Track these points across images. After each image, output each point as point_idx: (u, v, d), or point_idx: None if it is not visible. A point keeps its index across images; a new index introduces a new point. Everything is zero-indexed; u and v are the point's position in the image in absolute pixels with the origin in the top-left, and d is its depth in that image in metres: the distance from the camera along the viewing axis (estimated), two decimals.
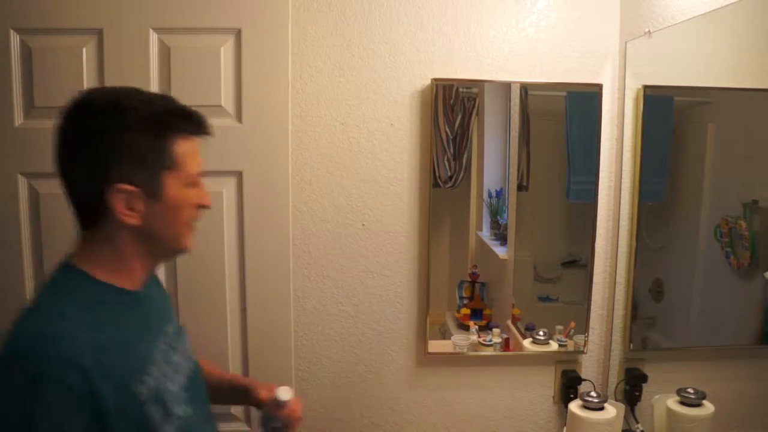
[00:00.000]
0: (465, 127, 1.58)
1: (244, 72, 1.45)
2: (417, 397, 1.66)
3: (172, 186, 0.87)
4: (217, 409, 1.17)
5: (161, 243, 0.91)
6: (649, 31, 1.46)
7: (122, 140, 0.83)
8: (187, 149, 0.89)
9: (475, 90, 1.57)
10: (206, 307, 1.46)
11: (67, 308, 0.81)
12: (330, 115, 1.56)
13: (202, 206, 0.94)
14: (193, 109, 0.91)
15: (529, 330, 1.66)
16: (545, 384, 1.69)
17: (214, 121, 1.47)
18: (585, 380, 1.65)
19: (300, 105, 1.54)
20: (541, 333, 1.65)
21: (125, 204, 0.84)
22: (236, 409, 1.53)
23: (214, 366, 1.21)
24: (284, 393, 1.06)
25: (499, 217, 1.64)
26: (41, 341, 0.76)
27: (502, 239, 1.64)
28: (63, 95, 1.41)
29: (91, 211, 0.86)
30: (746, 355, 1.33)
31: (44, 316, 0.81)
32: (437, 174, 1.58)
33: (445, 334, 1.66)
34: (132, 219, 0.85)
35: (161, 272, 1.48)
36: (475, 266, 1.66)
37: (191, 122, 0.89)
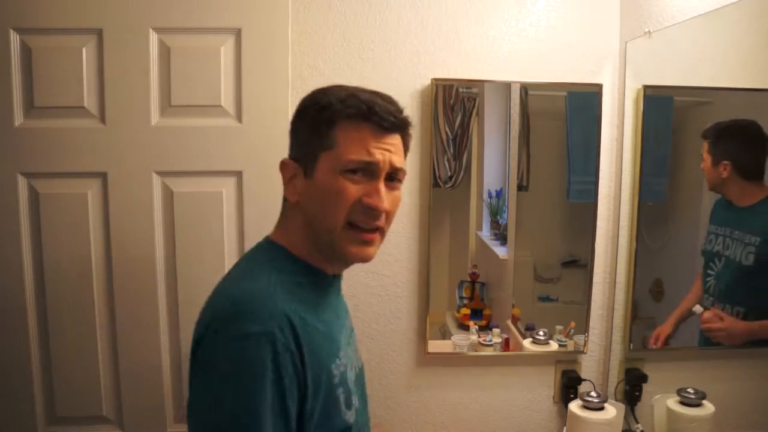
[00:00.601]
0: (465, 127, 1.58)
1: (244, 72, 1.45)
2: (417, 397, 1.66)
3: (325, 167, 0.85)
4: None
5: (317, 230, 0.87)
6: (649, 31, 1.46)
7: (298, 124, 0.90)
8: (351, 135, 0.84)
9: (475, 90, 1.57)
10: None
11: (274, 285, 0.82)
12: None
13: (365, 205, 0.84)
14: (391, 101, 0.89)
15: (529, 330, 1.66)
16: (545, 384, 1.69)
17: (213, 121, 1.48)
18: (585, 380, 1.65)
19: None
20: (541, 333, 1.65)
21: (289, 178, 0.89)
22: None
23: None
24: None
25: (499, 217, 1.64)
26: (261, 299, 0.78)
27: (502, 239, 1.65)
28: (63, 95, 1.43)
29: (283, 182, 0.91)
30: (746, 355, 1.33)
31: (255, 279, 0.83)
32: (437, 174, 1.58)
33: (445, 334, 1.66)
34: (291, 194, 0.89)
35: (162, 274, 1.48)
36: (475, 266, 1.66)
37: (366, 110, 0.85)
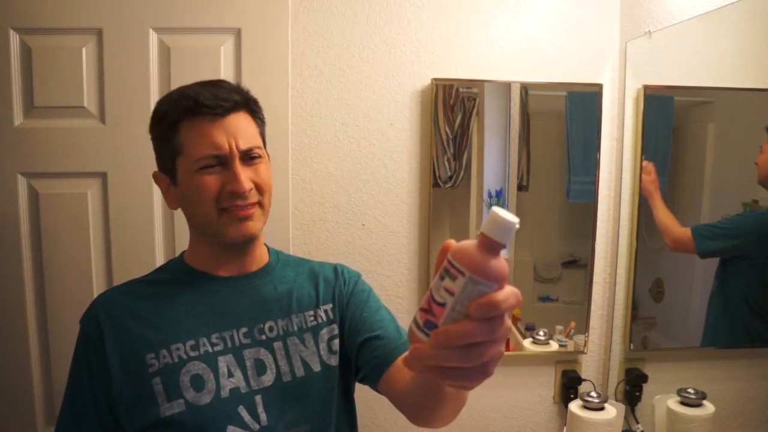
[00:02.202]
0: (465, 127, 1.58)
1: (244, 72, 1.45)
2: None
3: (182, 171, 0.89)
4: None
5: (200, 228, 0.93)
6: (649, 31, 1.46)
7: (152, 138, 0.93)
8: (192, 133, 0.88)
9: (475, 90, 1.57)
10: None
11: (136, 280, 0.98)
12: (330, 115, 1.56)
13: (229, 192, 0.88)
14: (219, 85, 0.91)
15: (529, 330, 1.66)
16: (545, 384, 1.69)
17: None
18: (585, 380, 1.64)
19: (300, 105, 1.54)
20: (541, 333, 1.65)
21: (164, 190, 0.94)
22: None
23: None
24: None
25: None
26: (94, 301, 0.94)
27: None
28: (63, 95, 1.44)
29: None
30: (746, 355, 1.33)
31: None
32: (437, 174, 1.58)
33: None
34: (170, 204, 0.95)
35: None
36: None
37: (194, 104, 0.87)
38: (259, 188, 0.92)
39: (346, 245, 1.60)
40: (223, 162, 0.88)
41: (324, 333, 0.97)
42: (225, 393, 0.88)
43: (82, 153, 1.43)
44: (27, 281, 1.45)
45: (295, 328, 0.96)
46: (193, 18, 1.43)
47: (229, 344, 0.91)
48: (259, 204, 0.92)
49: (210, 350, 0.89)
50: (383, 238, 1.60)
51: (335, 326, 0.98)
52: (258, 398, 0.89)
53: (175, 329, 0.89)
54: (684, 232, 1.42)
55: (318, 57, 1.54)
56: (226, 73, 1.45)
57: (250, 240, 0.94)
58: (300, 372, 0.93)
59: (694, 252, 1.39)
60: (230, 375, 0.89)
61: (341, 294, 1.01)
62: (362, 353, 0.95)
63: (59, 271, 1.46)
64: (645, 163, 1.51)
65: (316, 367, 0.95)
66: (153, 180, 0.96)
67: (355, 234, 1.60)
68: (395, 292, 1.62)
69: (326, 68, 1.54)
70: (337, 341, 0.98)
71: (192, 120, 0.88)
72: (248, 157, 0.90)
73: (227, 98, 0.89)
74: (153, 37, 1.42)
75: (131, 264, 1.47)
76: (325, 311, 0.99)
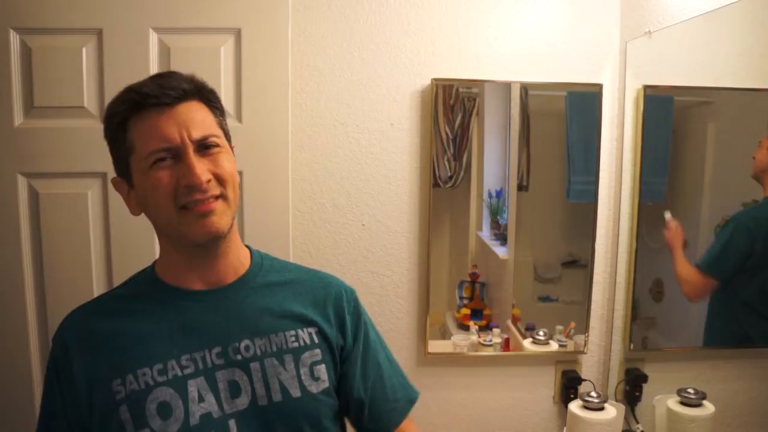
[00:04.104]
0: (465, 127, 1.58)
1: (244, 72, 1.45)
2: None
3: (137, 171, 0.83)
4: None
5: (167, 233, 0.86)
6: (649, 31, 1.46)
7: (106, 141, 0.87)
8: (141, 128, 0.81)
9: (475, 90, 1.57)
10: None
11: (107, 294, 0.94)
12: (330, 115, 1.56)
13: (185, 186, 0.80)
14: (166, 75, 0.84)
15: (529, 330, 1.66)
16: (545, 384, 1.69)
17: None
18: (585, 380, 1.64)
19: (300, 105, 1.54)
20: (541, 333, 1.65)
21: (125, 195, 0.88)
22: None
23: None
24: None
25: (499, 217, 1.64)
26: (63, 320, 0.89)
27: (502, 239, 1.64)
28: (63, 95, 1.43)
29: None
30: (746, 355, 1.33)
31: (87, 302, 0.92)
32: (437, 174, 1.58)
33: (445, 334, 1.66)
34: (133, 209, 0.88)
35: None
36: (475, 266, 1.66)
37: (138, 97, 0.81)
38: (220, 179, 0.83)
39: (346, 245, 1.60)
40: (175, 154, 0.80)
41: (306, 357, 0.88)
42: (195, 420, 0.81)
43: (82, 153, 1.43)
44: (27, 281, 1.45)
45: (274, 348, 0.87)
46: (193, 18, 1.43)
47: (201, 366, 0.83)
48: (222, 197, 0.83)
49: (179, 374, 0.82)
50: (383, 238, 1.60)
51: (319, 351, 0.90)
52: (232, 423, 0.82)
53: (141, 352, 0.82)
54: (693, 273, 1.40)
55: (318, 57, 1.54)
56: (226, 73, 1.45)
57: (216, 238, 0.84)
58: (277, 396, 0.85)
59: (714, 281, 1.39)
60: (201, 400, 0.82)
61: (340, 327, 0.94)
62: (355, 414, 0.95)
63: (59, 271, 1.46)
64: (669, 218, 1.47)
65: (296, 393, 0.86)
66: (118, 187, 0.88)
67: (355, 234, 1.60)
68: (395, 292, 1.62)
69: (326, 68, 1.54)
70: (322, 368, 0.89)
71: (139, 114, 0.81)
72: (203, 146, 0.82)
73: (175, 86, 0.81)
74: (153, 37, 1.42)
75: (131, 264, 1.46)
76: (309, 334, 0.90)
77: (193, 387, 0.82)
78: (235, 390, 0.84)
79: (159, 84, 0.81)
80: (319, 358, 0.90)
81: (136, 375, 0.81)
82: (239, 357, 0.85)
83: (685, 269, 1.42)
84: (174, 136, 0.80)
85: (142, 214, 0.88)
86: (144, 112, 0.81)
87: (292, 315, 0.91)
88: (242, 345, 0.86)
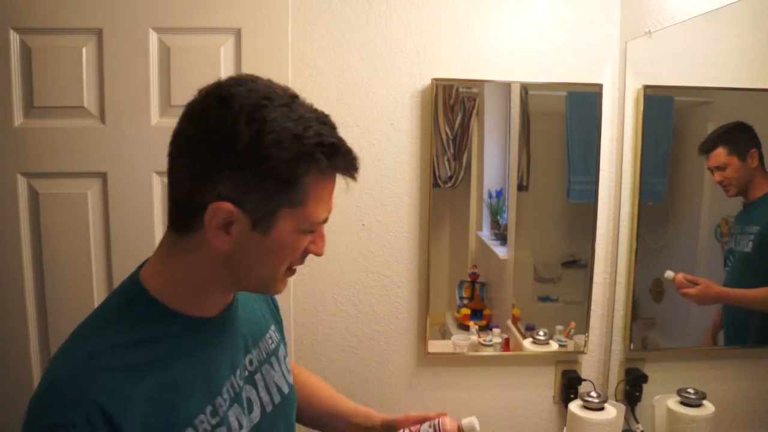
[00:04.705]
0: (465, 127, 1.58)
1: (244, 72, 1.44)
2: (417, 397, 1.66)
3: (287, 226, 0.72)
4: None
5: (247, 281, 0.78)
6: (649, 31, 1.46)
7: (249, 156, 0.67)
8: (320, 191, 0.72)
9: (475, 90, 1.57)
10: None
11: (109, 349, 0.70)
12: (330, 114, 1.55)
13: (310, 252, 0.79)
14: (345, 143, 0.73)
15: (529, 330, 1.66)
16: (545, 384, 1.69)
17: None
18: (585, 380, 1.64)
19: None
20: (541, 333, 1.65)
21: (221, 223, 0.70)
22: None
23: (317, 386, 1.12)
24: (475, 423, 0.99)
25: (499, 217, 1.64)
26: (71, 379, 0.67)
27: (502, 239, 1.64)
28: (63, 95, 1.43)
29: (186, 215, 0.72)
30: (746, 355, 1.33)
31: (79, 347, 0.71)
32: (437, 174, 1.58)
33: (445, 335, 1.66)
34: (223, 244, 0.71)
35: None
36: (475, 266, 1.66)
37: (341, 157, 0.71)
38: None
39: (346, 245, 1.60)
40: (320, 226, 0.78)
41: (281, 354, 0.93)
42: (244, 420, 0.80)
43: (82, 153, 1.43)
44: (27, 281, 1.45)
45: (264, 354, 0.88)
46: (193, 18, 1.43)
47: (233, 393, 0.79)
48: None
49: (225, 409, 0.77)
50: (383, 238, 1.60)
51: (283, 345, 0.96)
52: None
53: (190, 400, 0.73)
54: None
55: (318, 57, 1.54)
56: (226, 73, 1.44)
57: None
58: (277, 398, 0.88)
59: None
60: (240, 426, 0.79)
61: (277, 319, 0.99)
62: None
63: (59, 271, 1.45)
64: (671, 276, 1.44)
65: (285, 389, 0.90)
66: (213, 212, 0.69)
67: (355, 234, 1.60)
68: (395, 292, 1.62)
69: (326, 68, 1.54)
70: (287, 359, 0.96)
71: (328, 176, 0.73)
72: None
73: (357, 161, 0.74)
74: (153, 37, 1.42)
75: (131, 264, 1.46)
76: (273, 332, 0.94)
77: (233, 418, 0.78)
78: (250, 406, 0.83)
79: (352, 156, 0.73)
80: (285, 351, 0.95)
81: (195, 427, 0.73)
82: (247, 373, 0.84)
83: (760, 293, 1.30)
84: (331, 207, 0.77)
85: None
86: (329, 173, 0.72)
87: (261, 317, 0.93)
88: (247, 360, 0.85)
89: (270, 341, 0.92)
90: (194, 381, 0.74)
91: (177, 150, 0.73)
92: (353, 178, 0.74)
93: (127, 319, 0.73)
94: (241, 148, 0.66)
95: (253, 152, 0.67)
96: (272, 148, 0.67)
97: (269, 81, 0.74)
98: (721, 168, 1.32)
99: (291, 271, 0.79)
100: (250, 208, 0.69)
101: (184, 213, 0.73)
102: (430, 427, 0.99)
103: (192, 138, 0.70)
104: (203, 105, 0.70)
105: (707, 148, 1.35)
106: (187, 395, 0.73)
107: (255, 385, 0.85)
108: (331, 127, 0.74)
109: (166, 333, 0.74)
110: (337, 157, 0.71)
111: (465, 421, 1.00)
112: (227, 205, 0.68)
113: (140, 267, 0.80)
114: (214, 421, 0.75)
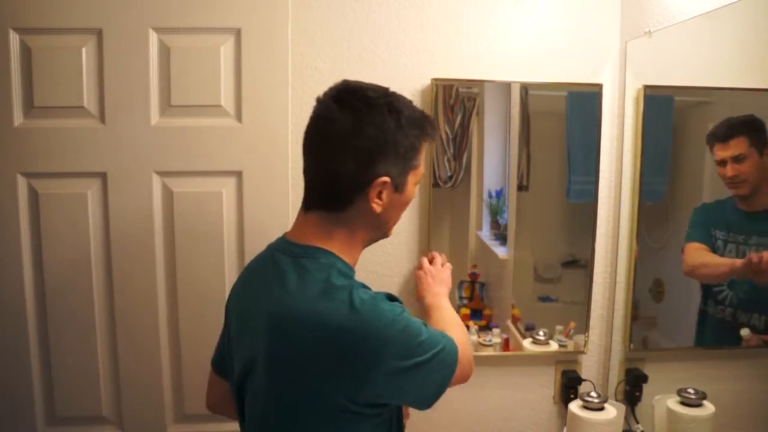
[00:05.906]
0: (465, 127, 1.58)
1: (244, 72, 1.45)
2: None
3: (411, 183, 1.00)
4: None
5: (382, 230, 1.05)
6: (649, 31, 1.46)
7: (394, 138, 0.94)
8: (424, 152, 1.02)
9: (475, 90, 1.57)
10: (206, 307, 1.46)
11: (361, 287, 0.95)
12: None
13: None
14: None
15: (529, 330, 1.66)
16: (545, 384, 1.69)
17: (213, 121, 1.48)
18: (585, 380, 1.64)
19: (300, 105, 1.54)
20: (541, 333, 1.65)
21: (378, 193, 0.95)
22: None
23: None
24: None
25: (499, 217, 1.64)
26: (381, 297, 0.95)
27: (502, 239, 1.64)
28: (63, 95, 1.43)
29: (348, 196, 0.95)
30: (746, 355, 1.33)
31: (364, 296, 0.92)
32: (437, 174, 1.58)
33: None
34: (378, 207, 0.96)
35: (162, 274, 1.48)
36: (475, 266, 1.66)
37: (433, 128, 1.02)
38: None
39: None
40: None
41: None
42: None
43: (82, 153, 1.43)
44: (27, 281, 1.45)
45: None
46: (193, 18, 1.43)
47: None
48: None
49: None
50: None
51: None
52: None
53: None
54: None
55: (318, 57, 1.54)
56: (226, 73, 1.45)
57: None
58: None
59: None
60: None
61: None
62: None
63: (59, 271, 1.46)
64: (748, 335, 1.29)
65: None
66: (376, 186, 0.95)
67: None
68: (395, 292, 1.62)
69: (326, 68, 1.54)
70: None
71: (426, 140, 1.01)
72: None
73: None
74: (153, 37, 1.42)
75: (131, 264, 1.47)
76: None
77: None
78: None
79: (434, 123, 1.11)
80: None
81: None
82: None
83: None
84: None
85: None
86: (429, 142, 1.03)
87: None
88: None
89: None
90: None
91: (332, 146, 0.94)
92: (435, 140, 1.11)
93: (345, 274, 0.97)
94: (391, 134, 0.93)
95: (399, 135, 0.94)
96: (408, 129, 0.95)
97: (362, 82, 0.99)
98: (738, 160, 1.20)
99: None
100: (394, 175, 0.96)
101: (346, 192, 0.95)
102: None
103: (348, 133, 0.91)
104: (351, 107, 0.92)
105: (725, 135, 1.24)
106: None
107: None
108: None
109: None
110: (433, 127, 1.02)
111: None
112: (385, 178, 0.94)
113: (314, 245, 0.98)
114: None
